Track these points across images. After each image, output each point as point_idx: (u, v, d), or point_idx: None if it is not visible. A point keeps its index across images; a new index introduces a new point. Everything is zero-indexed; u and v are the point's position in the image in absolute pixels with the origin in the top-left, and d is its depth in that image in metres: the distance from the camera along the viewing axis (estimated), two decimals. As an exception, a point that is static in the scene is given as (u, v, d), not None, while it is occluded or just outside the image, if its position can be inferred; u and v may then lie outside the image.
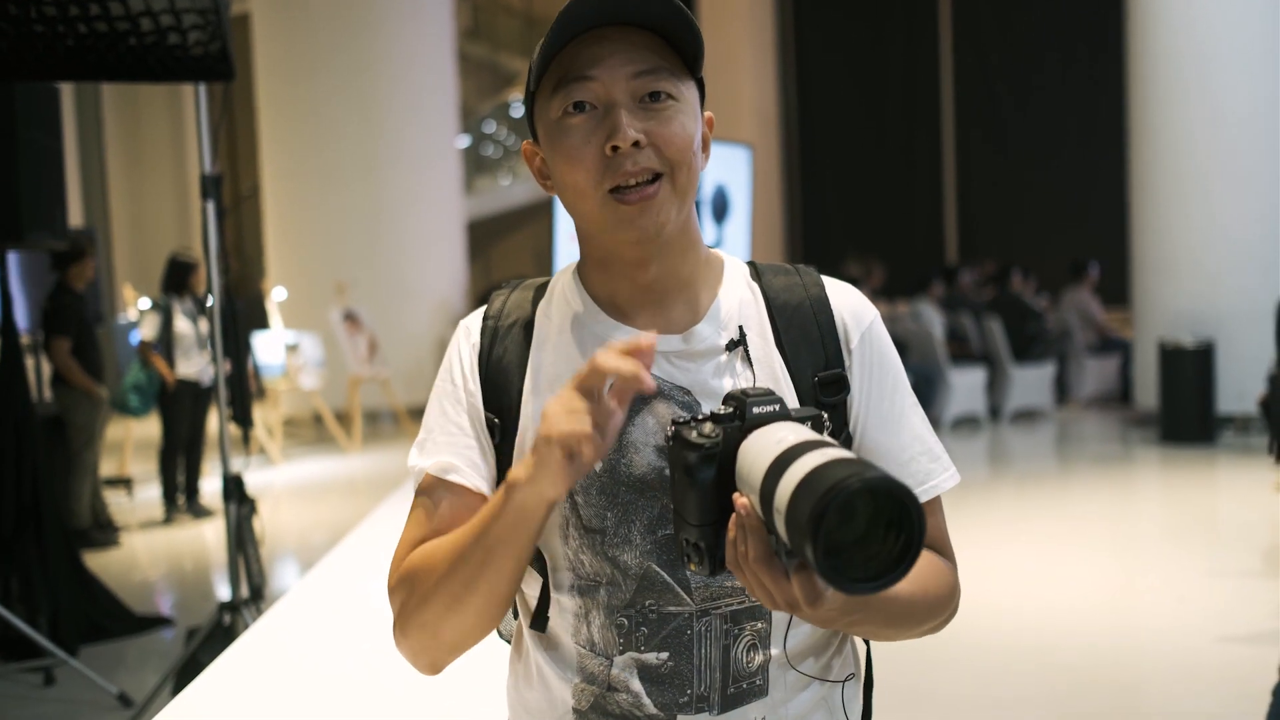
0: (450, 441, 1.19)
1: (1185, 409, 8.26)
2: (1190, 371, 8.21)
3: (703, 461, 0.98)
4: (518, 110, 17.73)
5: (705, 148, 1.19)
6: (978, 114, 13.77)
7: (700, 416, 1.00)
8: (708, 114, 1.20)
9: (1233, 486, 7.11)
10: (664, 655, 1.14)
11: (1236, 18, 8.14)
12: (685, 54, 1.14)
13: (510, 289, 1.26)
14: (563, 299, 1.23)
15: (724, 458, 0.98)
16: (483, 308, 1.26)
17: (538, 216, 16.56)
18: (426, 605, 1.13)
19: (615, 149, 1.09)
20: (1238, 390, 8.25)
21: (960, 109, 13.91)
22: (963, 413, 9.55)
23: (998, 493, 7.13)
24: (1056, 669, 3.95)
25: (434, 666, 1.18)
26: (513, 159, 17.70)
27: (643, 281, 1.17)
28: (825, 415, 1.03)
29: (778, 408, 1.00)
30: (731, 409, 1.00)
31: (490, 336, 1.22)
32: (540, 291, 1.25)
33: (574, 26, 1.09)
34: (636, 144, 1.09)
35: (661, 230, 1.12)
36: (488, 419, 1.19)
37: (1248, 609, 4.48)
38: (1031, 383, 9.94)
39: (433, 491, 1.18)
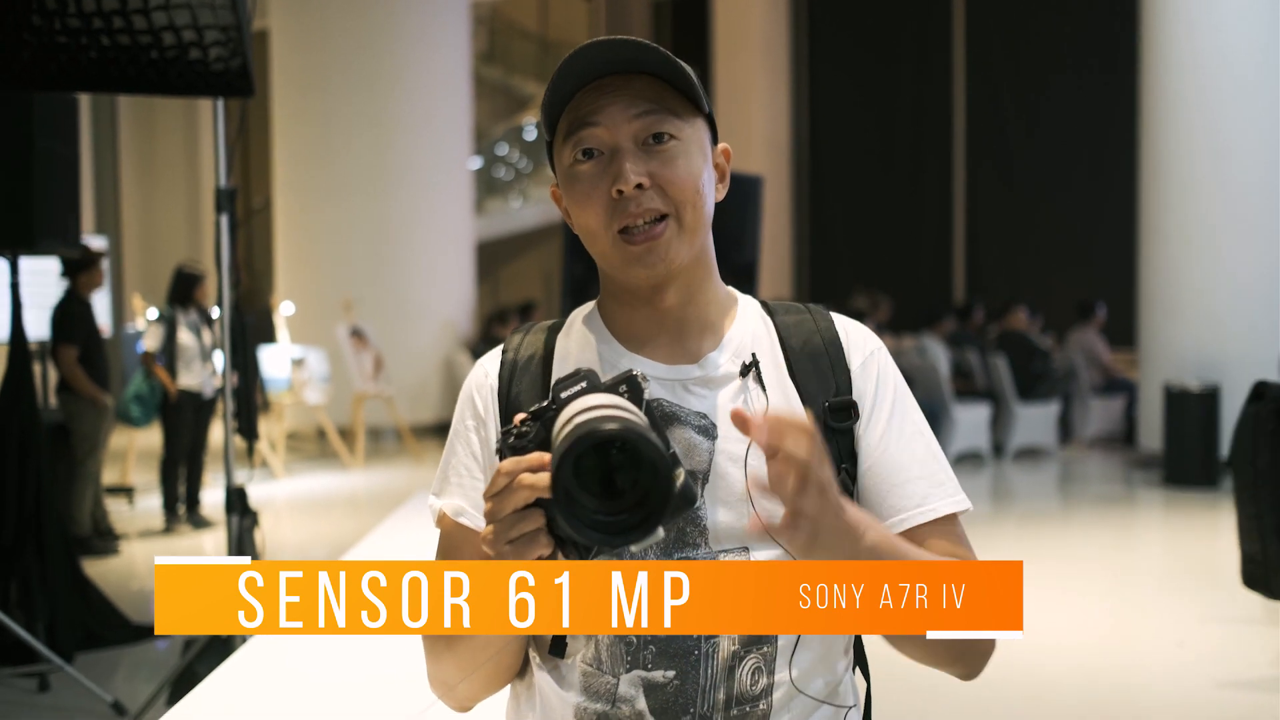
0: (460, 483, 1.24)
1: (1189, 452, 8.24)
2: (1195, 415, 8.20)
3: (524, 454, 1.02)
4: (530, 133, 17.82)
5: (723, 179, 1.24)
6: (988, 152, 13.81)
7: (526, 416, 1.03)
8: (723, 145, 1.24)
9: (1235, 532, 7.08)
10: (670, 674, 1.16)
11: (1246, 65, 8.18)
12: (687, 94, 1.18)
13: (525, 331, 1.30)
14: (581, 331, 1.27)
15: (544, 444, 1.01)
16: (499, 347, 1.30)
17: (547, 240, 16.61)
18: (441, 664, 1.21)
19: (620, 192, 1.14)
20: (1242, 435, 8.22)
21: (971, 146, 13.96)
22: (966, 449, 9.54)
23: (999, 530, 7.12)
24: (1053, 710, 3.94)
25: (462, 708, 1.27)
26: (524, 182, 17.77)
27: (660, 311, 1.22)
28: (638, 372, 1.04)
29: (584, 384, 1.03)
30: (546, 402, 1.03)
31: (510, 370, 1.26)
32: (556, 328, 1.29)
33: (572, 82, 1.15)
34: (640, 186, 1.14)
35: (670, 267, 1.17)
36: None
37: (1247, 655, 4.46)
38: (1036, 421, 9.93)
39: (451, 532, 1.24)
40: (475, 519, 1.22)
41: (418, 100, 11.15)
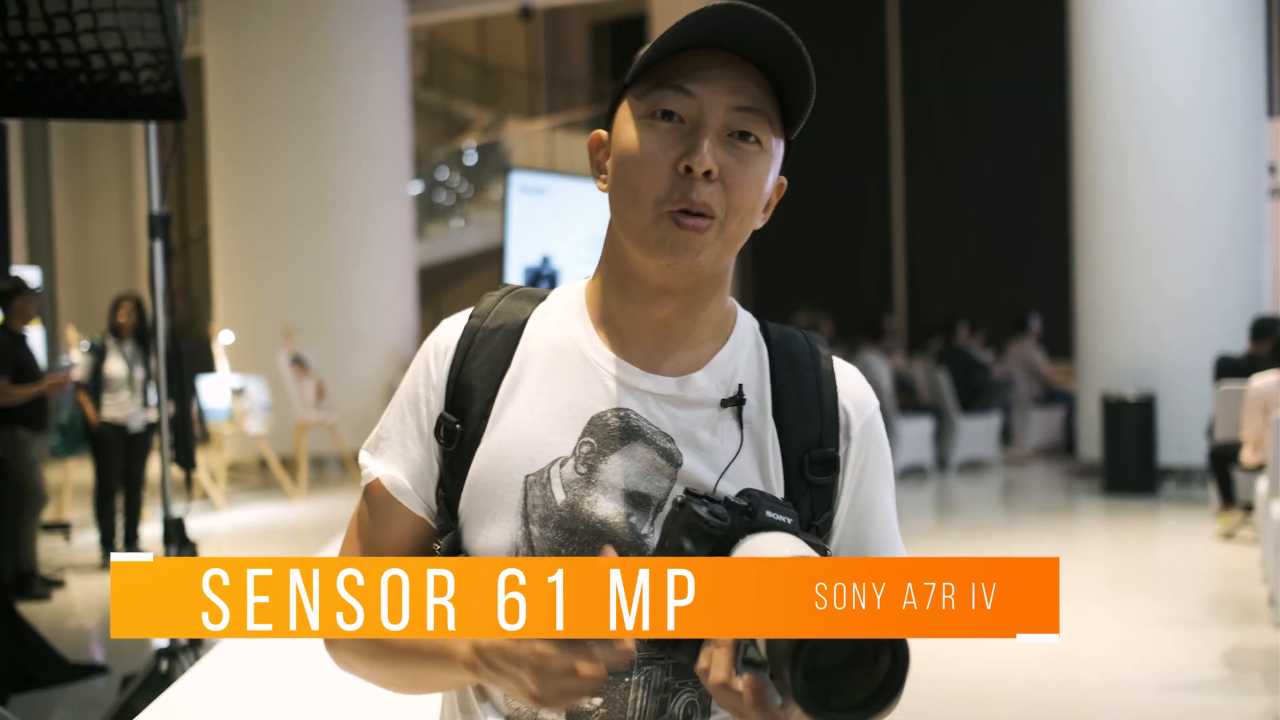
0: (404, 454, 1.17)
1: (1128, 460, 8.38)
2: (1132, 423, 8.34)
3: (702, 539, 0.97)
4: (471, 157, 17.76)
5: (768, 209, 1.15)
6: (925, 169, 14.00)
7: (715, 498, 0.99)
8: (781, 179, 1.15)
9: (1174, 537, 7.21)
10: (596, 702, 1.08)
11: (1177, 77, 8.37)
12: (788, 110, 1.10)
13: (504, 293, 1.21)
14: (562, 315, 1.18)
15: (722, 545, 0.97)
16: (469, 309, 1.20)
17: (489, 263, 16.55)
18: (363, 664, 1.15)
19: (689, 170, 1.05)
20: (1178, 442, 8.38)
21: (909, 164, 14.14)
22: (911, 462, 9.62)
23: (944, 542, 7.18)
24: (998, 715, 3.96)
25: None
26: (465, 206, 17.70)
27: (654, 314, 1.13)
28: (828, 548, 1.01)
29: (790, 520, 0.98)
30: (746, 503, 0.98)
31: (470, 337, 1.16)
32: (537, 300, 1.20)
33: (699, 36, 1.05)
34: (708, 174, 1.05)
35: (695, 268, 1.09)
36: (447, 421, 1.14)
37: (1189, 658, 4.53)
38: (978, 433, 10.05)
39: (379, 503, 1.17)
40: (412, 499, 1.16)
41: (356, 125, 11.08)
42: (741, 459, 1.11)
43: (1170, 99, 8.37)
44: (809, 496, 1.13)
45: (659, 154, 1.06)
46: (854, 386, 1.19)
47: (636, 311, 1.13)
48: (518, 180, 7.58)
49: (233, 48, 11.15)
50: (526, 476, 1.10)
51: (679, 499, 0.99)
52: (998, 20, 13.37)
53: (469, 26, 18.24)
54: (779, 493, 1.11)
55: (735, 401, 1.13)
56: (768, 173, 1.09)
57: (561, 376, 1.13)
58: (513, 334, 1.16)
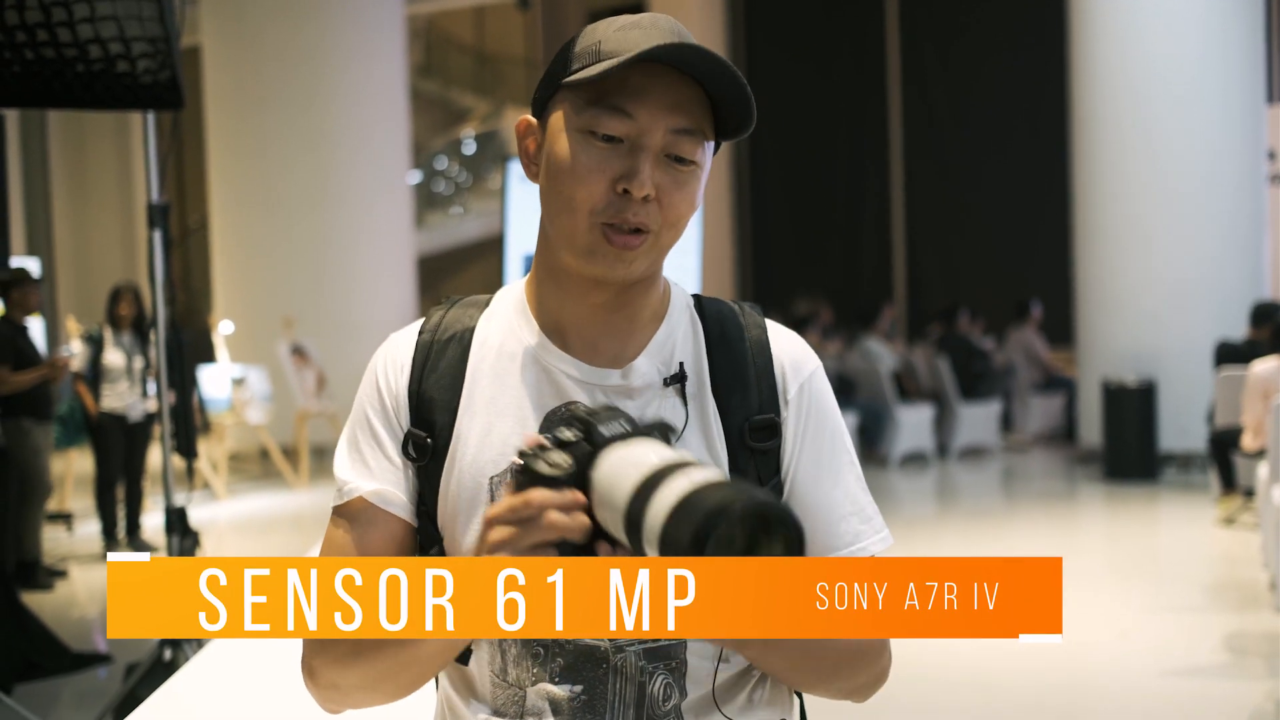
0: (385, 467, 1.16)
1: (1128, 446, 8.38)
2: (1133, 410, 8.35)
3: (550, 484, 0.96)
4: (469, 147, 17.74)
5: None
6: (925, 156, 13.97)
7: (546, 444, 0.98)
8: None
9: (1175, 523, 7.22)
10: (578, 689, 1.11)
11: (1176, 65, 8.35)
12: (724, 120, 1.12)
13: (449, 305, 1.23)
14: (505, 318, 1.20)
15: (577, 483, 0.96)
16: (417, 322, 1.22)
17: (488, 252, 16.54)
18: (342, 670, 1.13)
19: (626, 191, 1.07)
20: (1179, 428, 8.39)
21: (908, 150, 14.11)
22: (911, 450, 9.63)
23: (945, 529, 7.19)
24: (1000, 705, 3.97)
25: (336, 713, 1.19)
26: (464, 195, 17.69)
27: (593, 305, 1.15)
28: (670, 424, 1.01)
29: (627, 426, 0.98)
30: (580, 433, 0.97)
31: (424, 352, 1.18)
32: (483, 307, 1.22)
33: (643, 54, 1.05)
34: (646, 198, 1.08)
35: (628, 278, 1.12)
36: (417, 437, 1.16)
37: (1190, 643, 4.53)
38: (978, 420, 10.05)
39: (361, 514, 1.16)
40: (404, 508, 1.16)
41: (354, 115, 11.06)
42: (688, 435, 1.14)
43: (1169, 85, 8.35)
44: (754, 463, 1.15)
45: (596, 171, 1.08)
46: (790, 350, 1.20)
47: (573, 302, 1.15)
48: (517, 169, 7.57)
49: (230, 37, 11.12)
50: (491, 479, 1.13)
51: (515, 465, 0.99)
52: (998, 7, 13.33)
53: (467, 15, 18.20)
54: (724, 464, 1.14)
55: (677, 379, 1.15)
56: (699, 187, 1.13)
57: (512, 378, 1.15)
58: (465, 342, 1.18)
